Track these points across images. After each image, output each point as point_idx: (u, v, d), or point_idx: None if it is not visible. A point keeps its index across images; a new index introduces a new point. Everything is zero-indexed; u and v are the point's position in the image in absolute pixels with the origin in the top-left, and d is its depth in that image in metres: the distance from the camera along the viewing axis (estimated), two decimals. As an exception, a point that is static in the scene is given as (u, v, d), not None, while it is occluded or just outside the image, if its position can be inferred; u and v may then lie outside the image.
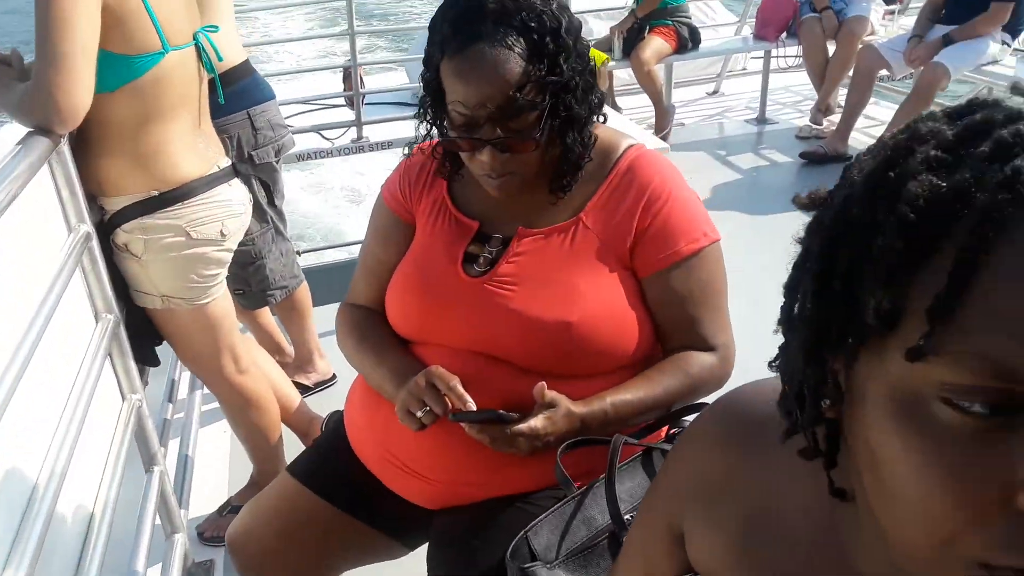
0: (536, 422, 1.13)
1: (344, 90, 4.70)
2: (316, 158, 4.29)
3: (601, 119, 1.27)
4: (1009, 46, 4.13)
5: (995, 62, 4.12)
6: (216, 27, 1.74)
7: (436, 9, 1.18)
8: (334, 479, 1.37)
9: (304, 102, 4.78)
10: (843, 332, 0.46)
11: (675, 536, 0.72)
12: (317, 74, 5.59)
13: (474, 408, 1.13)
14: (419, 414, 1.15)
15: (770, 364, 0.57)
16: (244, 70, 2.14)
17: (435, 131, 1.26)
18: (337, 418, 1.44)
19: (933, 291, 0.40)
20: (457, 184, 1.32)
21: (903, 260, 0.42)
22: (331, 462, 1.39)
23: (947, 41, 4.04)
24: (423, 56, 1.18)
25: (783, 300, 0.53)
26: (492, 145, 1.13)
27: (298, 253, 4.06)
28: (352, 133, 4.56)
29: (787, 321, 0.52)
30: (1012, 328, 0.39)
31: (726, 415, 0.70)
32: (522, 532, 1.08)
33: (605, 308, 1.18)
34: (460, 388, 1.14)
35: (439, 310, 1.23)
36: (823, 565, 0.58)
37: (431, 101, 1.20)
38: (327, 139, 4.54)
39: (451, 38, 1.11)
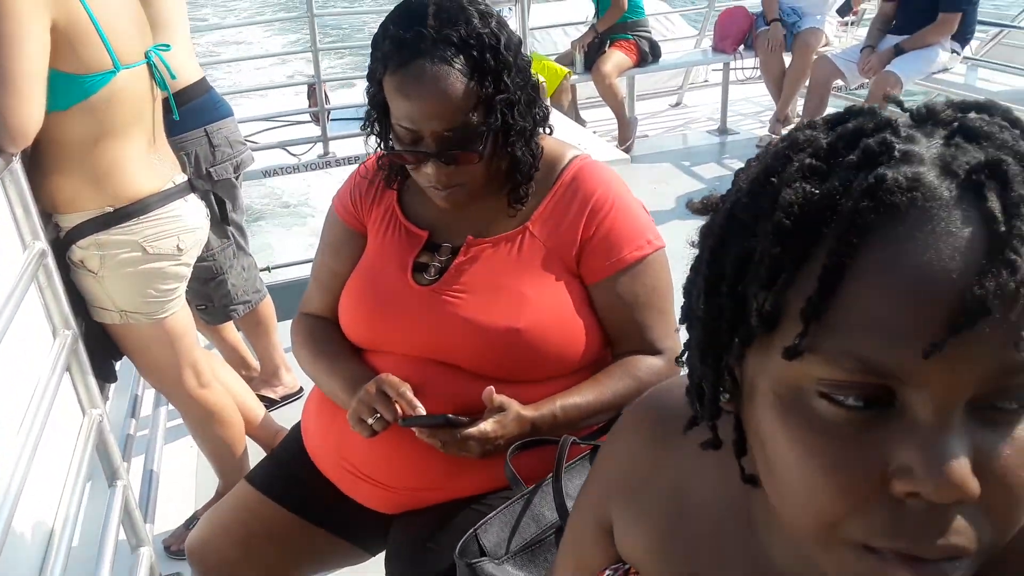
0: (486, 425, 1.15)
1: (309, 106, 4.72)
2: (282, 174, 4.29)
3: (547, 131, 1.31)
4: (959, 54, 4.25)
5: (945, 70, 4.24)
6: (168, 46, 1.76)
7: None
8: (292, 486, 1.38)
9: (269, 119, 4.79)
10: (731, 331, 0.48)
11: (604, 528, 0.74)
12: (282, 91, 5.60)
13: (423, 411, 1.16)
14: (370, 421, 1.17)
15: (677, 359, 0.59)
16: (200, 88, 2.16)
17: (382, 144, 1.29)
18: (296, 428, 1.46)
19: (807, 294, 0.43)
20: (407, 195, 1.35)
21: (780, 264, 0.44)
22: (289, 470, 1.40)
23: (898, 51, 4.16)
24: (367, 72, 1.22)
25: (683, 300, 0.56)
26: (436, 158, 1.17)
27: (267, 269, 4.07)
28: (319, 148, 4.58)
29: (687, 320, 0.55)
30: (876, 327, 0.41)
31: (650, 409, 0.72)
32: (471, 530, 1.10)
33: (552, 314, 1.21)
34: (410, 394, 1.17)
35: (390, 318, 1.26)
36: (737, 551, 0.61)
37: (376, 115, 1.23)
38: (293, 155, 4.55)
39: (392, 54, 1.15)
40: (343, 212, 1.39)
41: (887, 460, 0.42)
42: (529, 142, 1.23)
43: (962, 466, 0.40)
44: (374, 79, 1.20)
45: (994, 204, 0.40)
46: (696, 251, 0.54)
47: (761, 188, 0.47)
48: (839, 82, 4.50)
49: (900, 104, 0.50)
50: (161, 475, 2.23)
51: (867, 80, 4.29)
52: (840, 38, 5.01)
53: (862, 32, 4.97)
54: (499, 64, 1.16)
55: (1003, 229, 0.40)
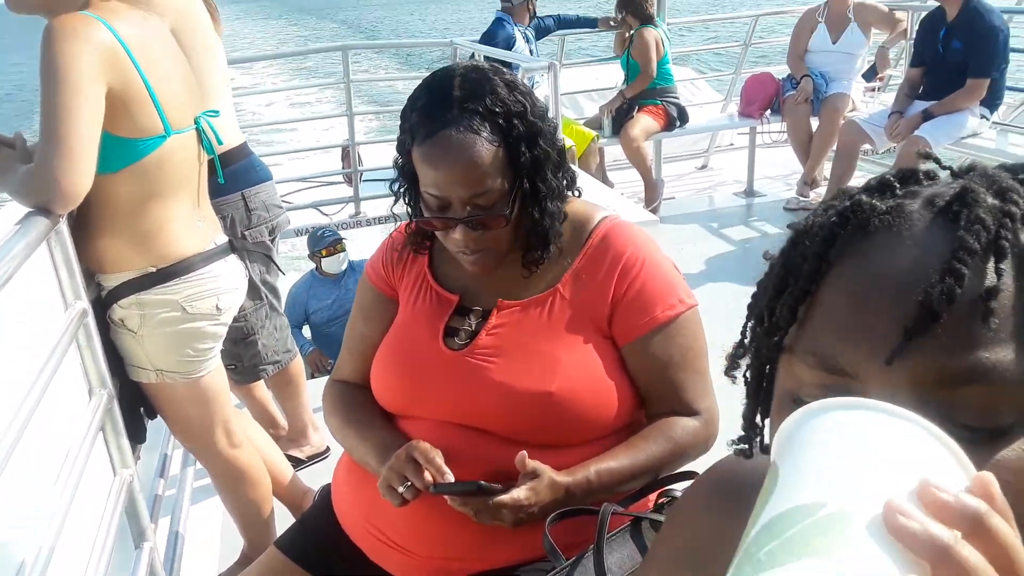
0: (519, 493, 1.13)
1: (343, 168, 4.81)
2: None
3: (576, 194, 1.32)
4: (988, 119, 4.25)
5: (975, 135, 4.24)
6: (216, 112, 1.82)
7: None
8: (321, 553, 1.37)
9: (303, 179, 4.88)
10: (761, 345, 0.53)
11: None
12: (317, 153, 5.72)
13: (452, 478, 1.14)
14: (400, 489, 1.16)
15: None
16: (241, 152, 2.22)
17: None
18: (325, 492, 1.44)
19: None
20: (438, 260, 1.36)
21: (784, 280, 0.51)
22: (318, 536, 1.39)
23: (927, 116, 4.17)
24: (396, 143, 1.24)
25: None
26: (464, 224, 1.18)
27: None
28: (350, 208, 4.65)
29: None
30: (834, 326, 0.47)
31: (719, 480, 0.71)
32: None
33: (585, 377, 1.21)
34: (440, 461, 1.15)
35: (422, 383, 1.26)
36: None
37: (407, 184, 1.25)
38: (325, 215, 4.63)
39: (420, 125, 1.17)
40: (375, 278, 1.40)
41: None
42: (552, 205, 1.24)
43: None
44: (403, 150, 1.22)
45: (956, 224, 0.45)
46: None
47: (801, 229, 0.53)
48: (867, 146, 4.51)
49: (938, 161, 0.54)
50: (187, 536, 2.21)
51: (895, 145, 4.30)
52: (867, 103, 5.05)
53: (888, 97, 5.00)
54: (524, 130, 1.18)
55: (956, 244, 0.44)
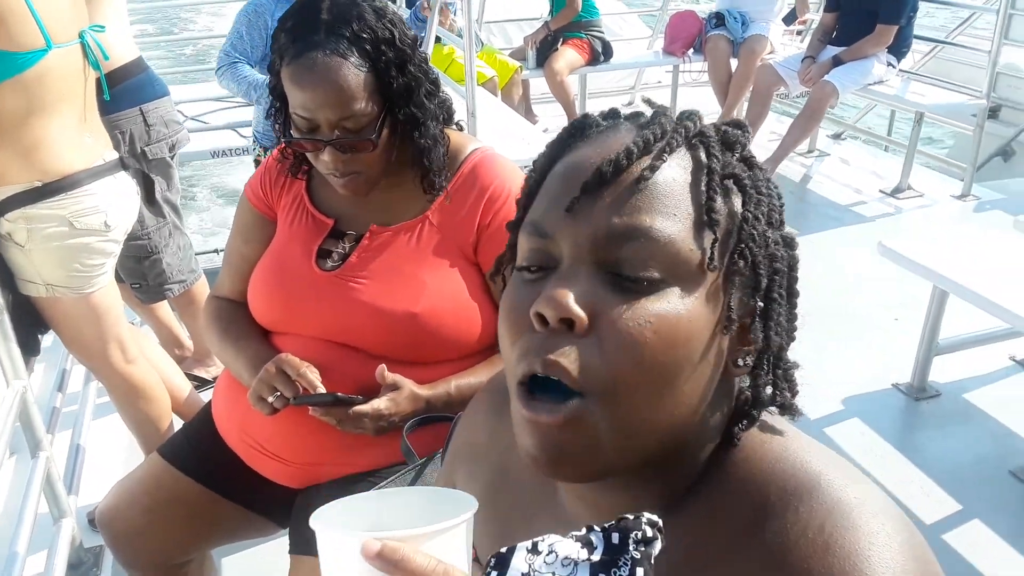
0: (379, 403, 1.22)
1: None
2: (231, 155, 4.30)
3: (454, 126, 1.37)
4: (895, 67, 4.41)
5: (881, 82, 4.40)
6: (102, 27, 1.79)
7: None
8: (201, 459, 1.44)
9: (219, 99, 4.77)
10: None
11: None
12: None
13: (323, 390, 1.22)
14: (270, 399, 1.23)
15: None
16: (136, 67, 2.19)
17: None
18: (208, 404, 1.51)
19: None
20: (316, 184, 1.40)
21: (539, 174, 0.63)
22: (198, 444, 1.46)
23: (836, 62, 4.30)
24: (267, 64, 1.27)
25: None
26: (331, 145, 1.23)
27: (216, 251, 4.05)
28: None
29: None
30: (543, 200, 0.59)
31: (494, 389, 0.80)
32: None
33: (449, 299, 1.29)
34: (309, 374, 1.22)
35: (294, 302, 1.32)
36: (541, 506, 0.69)
37: (279, 105, 1.29)
38: (243, 136, 4.54)
39: (288, 46, 1.21)
40: (254, 198, 1.44)
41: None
42: (429, 131, 1.29)
43: (566, 294, 0.54)
44: (273, 70, 1.26)
45: (641, 128, 0.59)
46: None
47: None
48: (781, 89, 4.63)
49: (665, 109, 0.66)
50: (88, 449, 2.25)
51: (807, 89, 4.43)
52: (785, 46, 5.15)
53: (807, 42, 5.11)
54: (393, 57, 1.22)
55: (635, 135, 0.57)
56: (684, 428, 0.57)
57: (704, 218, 0.55)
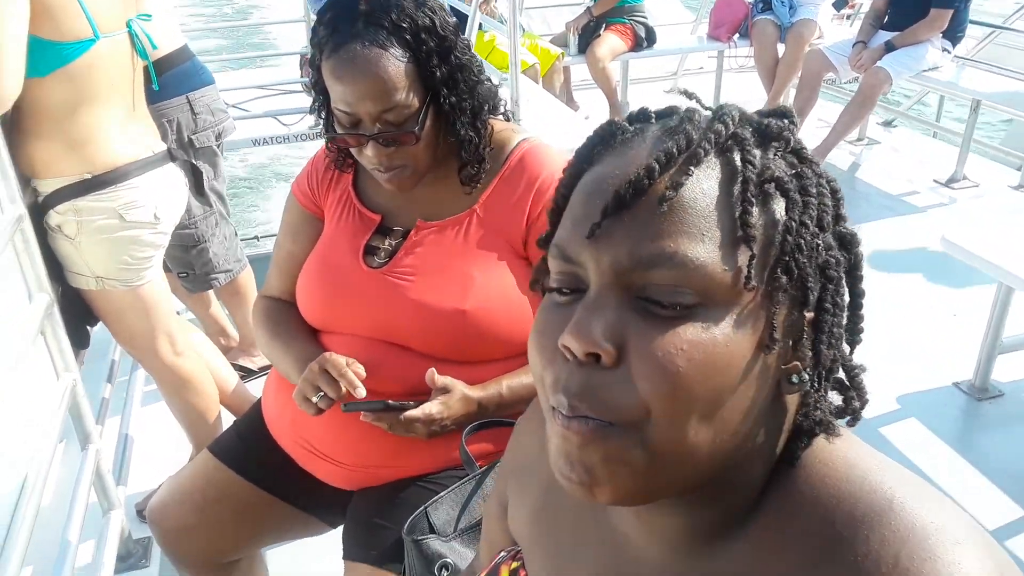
0: (430, 407, 1.19)
1: (301, 76, 4.69)
2: (271, 144, 4.29)
3: (500, 116, 1.33)
4: (949, 53, 4.26)
5: (936, 68, 4.26)
6: (149, 16, 1.78)
7: None
8: (252, 458, 1.42)
9: (261, 87, 4.77)
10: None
11: (504, 506, 0.78)
12: (276, 59, 5.58)
13: (363, 392, 1.18)
14: (314, 399, 1.20)
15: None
16: (181, 55, 2.17)
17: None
18: (258, 401, 1.49)
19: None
20: (362, 179, 1.37)
21: (565, 188, 0.58)
22: (250, 442, 1.44)
23: (889, 47, 4.17)
24: (309, 58, 1.23)
25: None
26: (374, 140, 1.19)
27: (256, 238, 4.06)
28: (309, 120, 4.56)
29: None
30: (568, 221, 0.55)
31: None
32: (421, 508, 1.14)
33: (498, 296, 1.25)
34: (350, 374, 1.19)
35: (342, 300, 1.29)
36: (589, 524, 0.66)
37: (322, 100, 1.25)
38: (284, 124, 4.54)
39: (327, 40, 1.18)
40: (301, 196, 1.41)
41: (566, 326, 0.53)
42: (474, 122, 1.25)
43: (594, 326, 0.51)
44: (314, 65, 1.22)
45: (665, 137, 0.53)
46: None
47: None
48: (831, 75, 4.51)
49: (699, 101, 0.61)
50: (136, 440, 2.26)
51: (858, 75, 4.30)
52: (834, 30, 5.01)
53: (858, 27, 4.97)
54: (434, 45, 1.18)
55: (657, 148, 0.52)
56: (733, 453, 0.53)
57: (739, 233, 0.50)
